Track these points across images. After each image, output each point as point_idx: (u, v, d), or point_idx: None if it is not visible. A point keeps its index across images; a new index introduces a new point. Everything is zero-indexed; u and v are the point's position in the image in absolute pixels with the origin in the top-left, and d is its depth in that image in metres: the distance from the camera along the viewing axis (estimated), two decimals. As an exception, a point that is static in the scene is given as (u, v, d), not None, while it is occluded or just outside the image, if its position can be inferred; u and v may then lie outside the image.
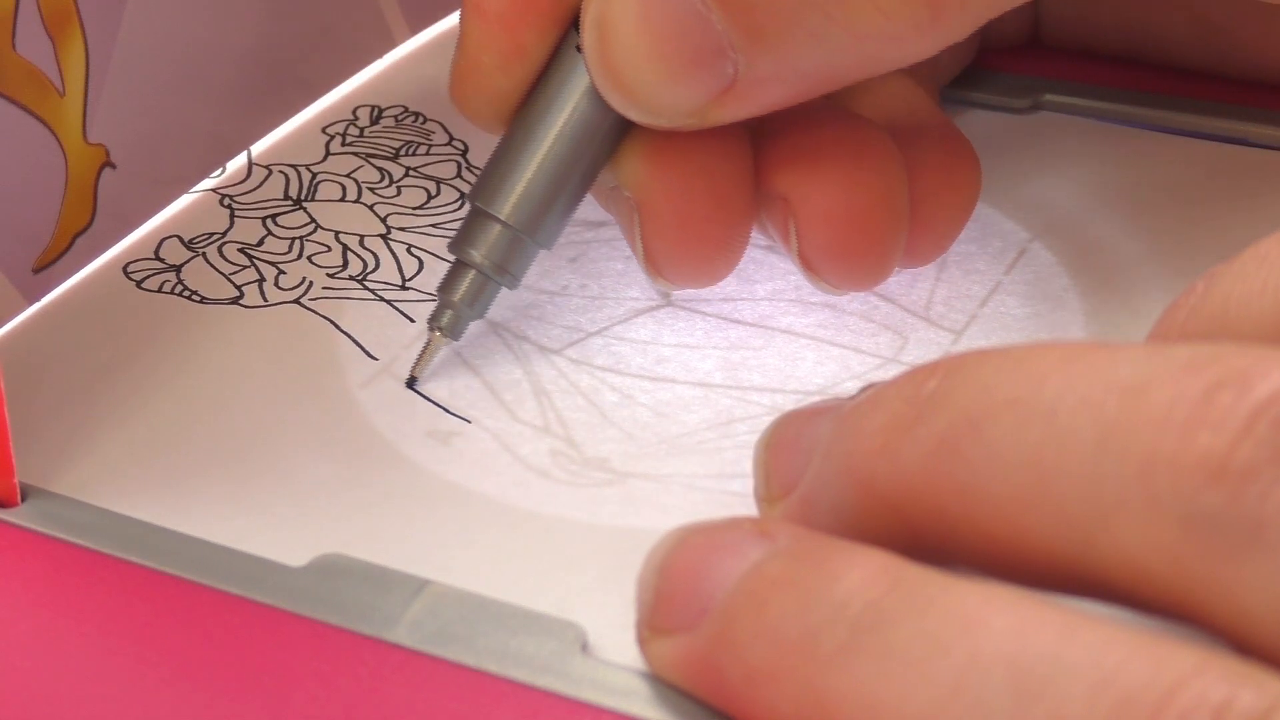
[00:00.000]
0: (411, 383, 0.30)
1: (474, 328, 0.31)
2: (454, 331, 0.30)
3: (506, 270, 0.29)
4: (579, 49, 0.28)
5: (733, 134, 0.29)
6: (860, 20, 0.26)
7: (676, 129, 0.28)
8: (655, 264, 0.29)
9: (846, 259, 0.29)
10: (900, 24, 0.26)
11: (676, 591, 0.22)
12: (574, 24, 0.28)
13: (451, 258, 0.30)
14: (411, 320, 0.31)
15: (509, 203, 0.29)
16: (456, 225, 0.34)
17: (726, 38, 0.26)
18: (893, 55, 0.26)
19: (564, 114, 0.28)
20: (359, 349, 0.31)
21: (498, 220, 0.29)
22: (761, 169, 0.29)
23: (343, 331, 0.31)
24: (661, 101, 0.27)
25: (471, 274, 0.29)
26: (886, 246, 0.29)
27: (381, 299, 0.32)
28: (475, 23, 0.29)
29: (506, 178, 0.29)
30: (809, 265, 0.29)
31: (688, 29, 0.26)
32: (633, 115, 0.28)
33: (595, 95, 0.28)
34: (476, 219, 0.29)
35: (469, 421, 0.29)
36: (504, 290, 0.30)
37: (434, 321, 0.30)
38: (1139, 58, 0.37)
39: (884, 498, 0.22)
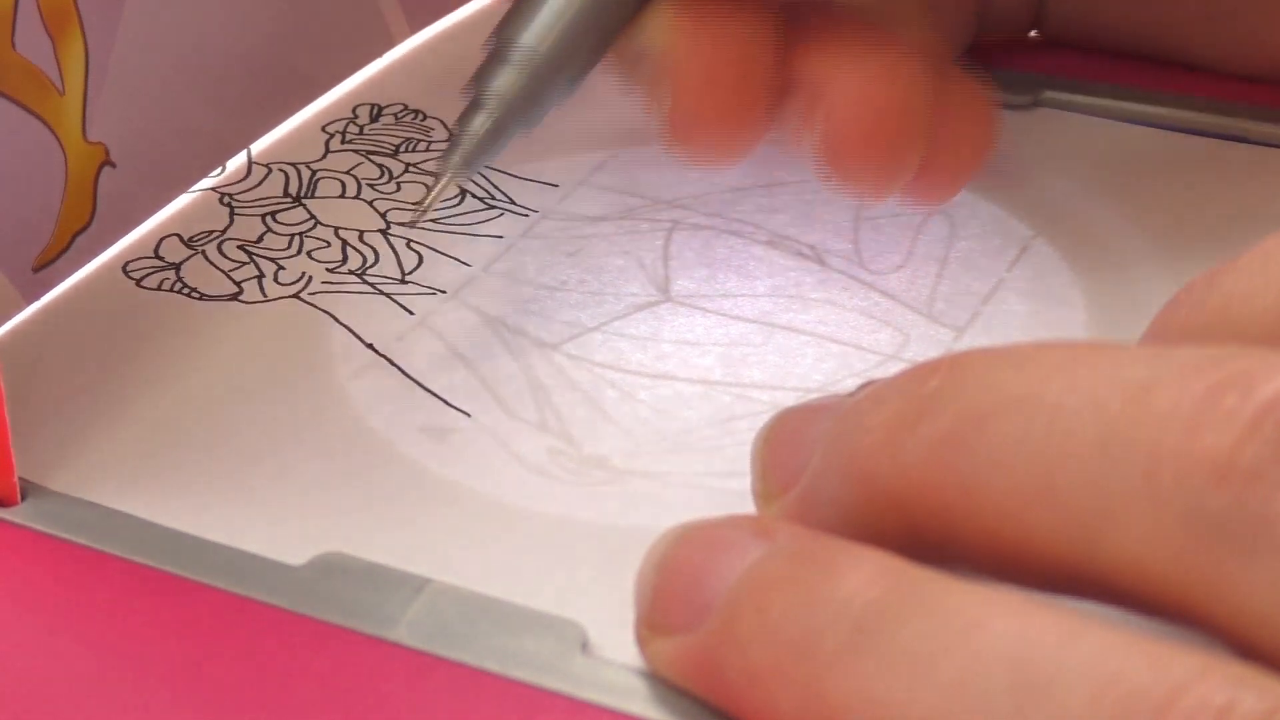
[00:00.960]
0: (418, 217, 0.30)
1: (470, 321, 0.31)
2: (464, 171, 0.29)
3: (522, 115, 0.29)
4: None
5: (765, 13, 0.29)
6: None
7: None
8: (675, 133, 0.29)
9: (867, 151, 0.29)
10: None
11: (676, 590, 0.22)
12: None
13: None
14: (411, 313, 0.31)
15: (533, 33, 0.28)
16: (457, 220, 0.34)
17: None
18: None
19: None
20: (358, 341, 0.31)
21: (516, 64, 0.28)
22: (793, 55, 0.29)
23: (342, 324, 0.31)
24: None
25: (484, 114, 0.29)
26: (904, 147, 0.29)
27: (381, 293, 0.32)
28: None
29: (534, 11, 0.29)
30: (827, 156, 0.29)
31: None
32: None
33: None
34: (496, 59, 0.29)
35: (469, 415, 0.29)
36: (503, 283, 0.29)
37: (445, 160, 0.29)
38: (1145, 49, 0.37)
39: (885, 495, 0.22)
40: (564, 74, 0.29)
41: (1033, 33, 0.39)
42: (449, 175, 0.29)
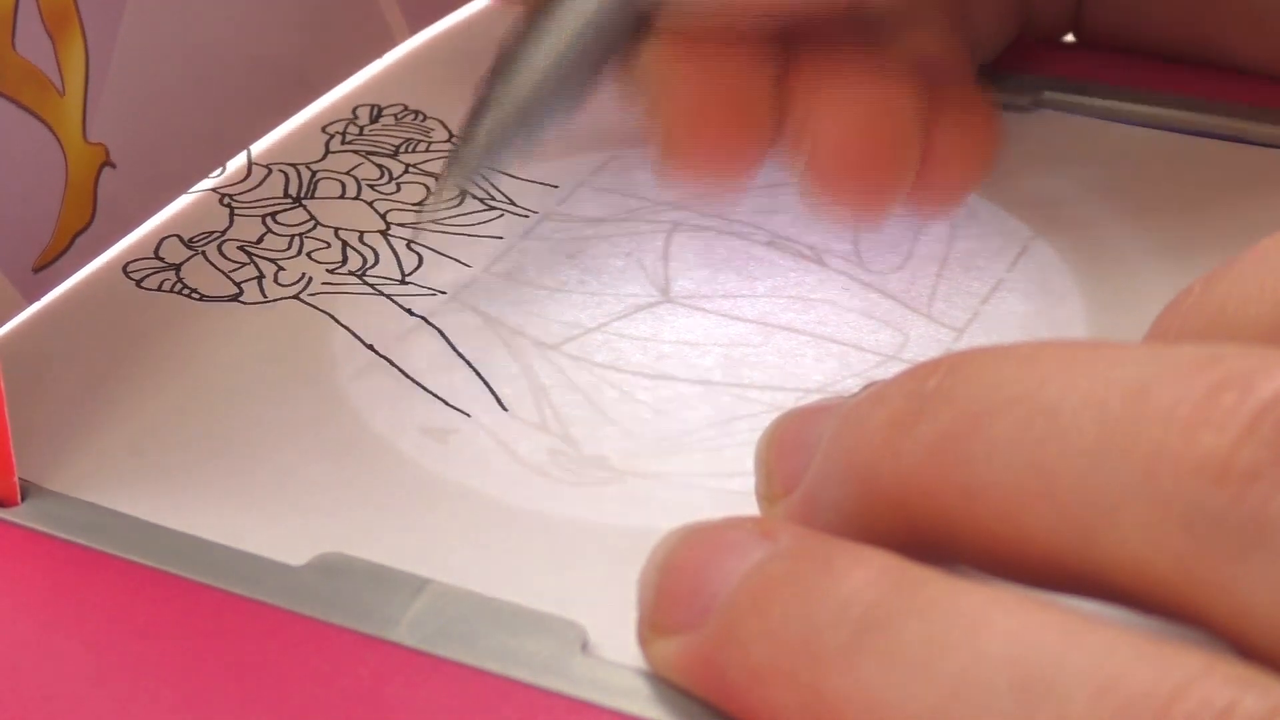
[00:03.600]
0: (420, 216, 0.30)
1: (470, 322, 0.31)
2: (467, 180, 0.30)
3: (526, 123, 0.30)
4: None
5: (758, 44, 0.29)
6: None
7: None
8: (670, 160, 0.30)
9: (849, 182, 0.30)
10: None
11: (678, 591, 0.22)
12: None
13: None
14: (411, 314, 0.31)
15: (536, 51, 0.29)
16: (457, 221, 0.34)
17: None
18: None
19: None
20: (358, 342, 0.31)
21: (521, 67, 0.29)
22: (784, 83, 0.30)
23: (342, 325, 0.31)
24: None
25: (490, 117, 0.30)
26: (889, 175, 0.30)
27: (381, 293, 0.32)
28: None
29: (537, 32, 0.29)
30: (812, 181, 0.30)
31: None
32: None
33: None
34: (500, 69, 0.30)
35: (468, 415, 0.29)
36: (503, 284, 0.29)
37: (445, 173, 0.30)
38: (1185, 51, 0.37)
39: (885, 495, 0.22)
40: (564, 93, 0.29)
41: (1069, 36, 0.39)
42: (451, 181, 0.30)
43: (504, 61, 0.30)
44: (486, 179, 0.35)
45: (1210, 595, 0.19)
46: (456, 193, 0.30)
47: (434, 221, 0.34)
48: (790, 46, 0.30)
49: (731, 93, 0.29)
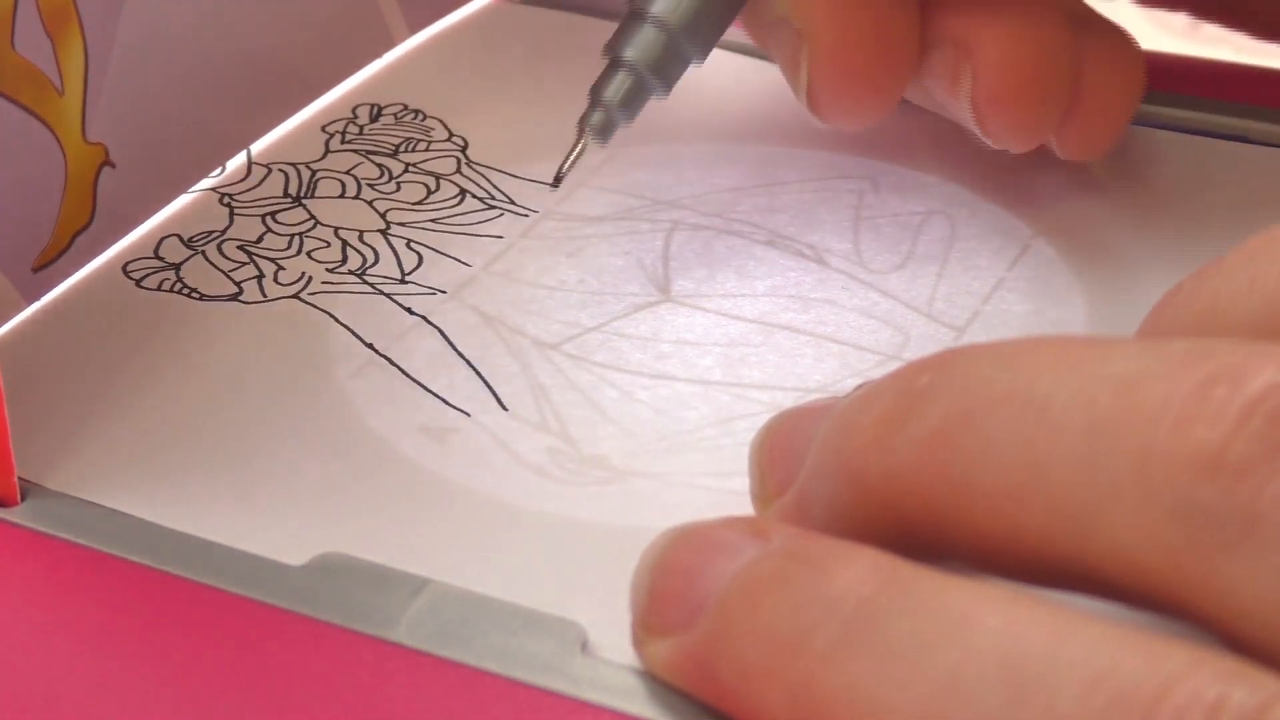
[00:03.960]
0: (557, 183, 0.30)
1: (469, 320, 0.31)
2: (603, 134, 0.30)
3: (660, 74, 0.30)
4: None
5: None
6: None
7: None
8: (816, 100, 0.30)
9: (1016, 107, 0.30)
10: None
11: (670, 591, 0.22)
12: None
13: None
14: (411, 313, 0.31)
15: (667, 4, 0.29)
16: (456, 220, 0.34)
17: None
18: None
19: None
20: (358, 341, 0.31)
21: (652, 21, 0.29)
22: (933, 14, 0.30)
23: (342, 324, 0.31)
24: None
25: (623, 75, 0.30)
26: (1054, 101, 0.30)
27: (380, 293, 0.32)
28: None
29: None
30: (978, 111, 0.30)
31: None
32: None
33: None
34: (632, 20, 0.30)
35: (468, 414, 0.29)
36: (502, 283, 0.29)
37: (584, 121, 0.30)
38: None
39: (877, 493, 0.22)
40: (698, 38, 0.30)
41: None
42: (588, 138, 0.30)
43: (639, 5, 0.30)
44: (484, 174, 0.35)
45: (1201, 588, 0.19)
46: (598, 143, 0.30)
47: (433, 220, 0.34)
48: None
49: (879, 25, 0.29)
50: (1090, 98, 0.31)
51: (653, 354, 0.30)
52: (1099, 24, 0.32)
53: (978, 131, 0.30)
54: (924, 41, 0.30)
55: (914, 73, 0.30)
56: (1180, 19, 0.40)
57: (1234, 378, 0.19)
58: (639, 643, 0.22)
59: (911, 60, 0.30)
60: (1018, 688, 0.18)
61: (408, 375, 0.30)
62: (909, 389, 0.21)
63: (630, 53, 0.30)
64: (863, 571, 0.20)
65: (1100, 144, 0.32)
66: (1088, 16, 0.32)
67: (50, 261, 0.31)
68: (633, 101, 0.30)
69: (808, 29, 0.29)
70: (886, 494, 0.21)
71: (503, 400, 0.29)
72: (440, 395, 0.29)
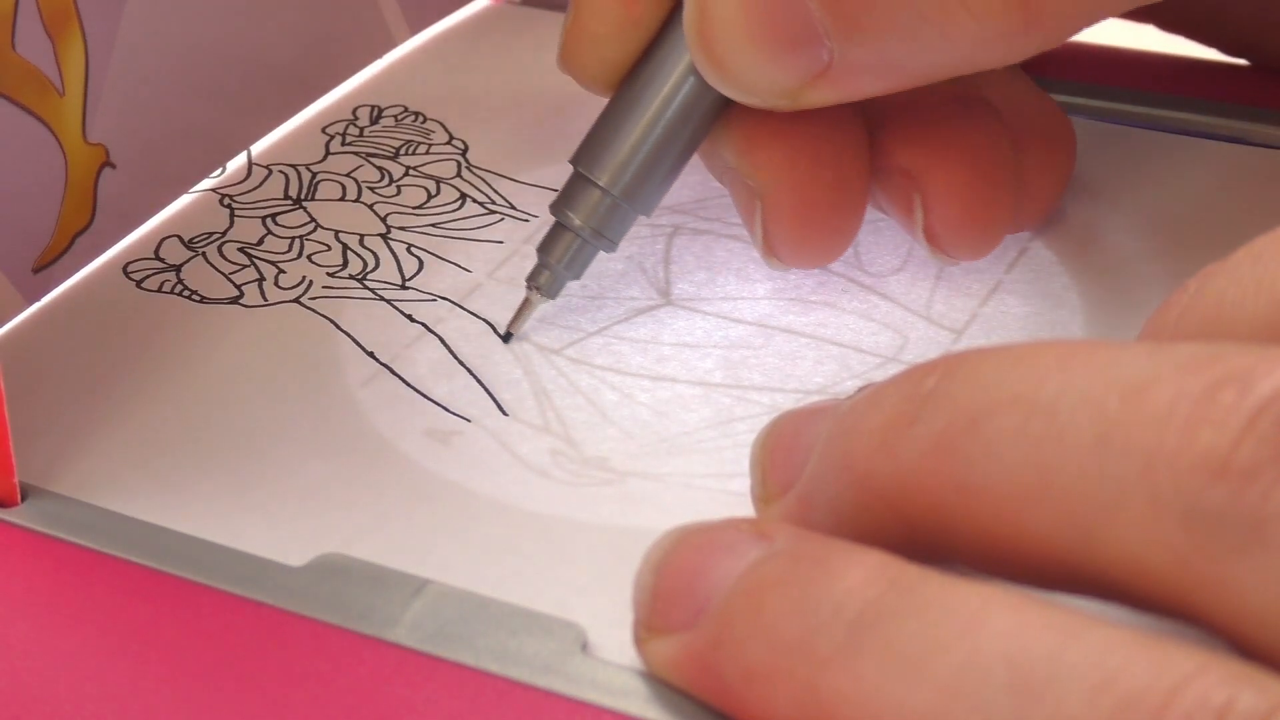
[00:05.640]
0: (508, 338, 0.31)
1: (471, 326, 0.31)
2: (550, 291, 0.31)
3: (604, 235, 0.30)
4: None
5: (847, 113, 0.29)
6: (951, 22, 0.26)
7: (771, 108, 0.28)
8: (774, 251, 0.30)
9: (970, 230, 0.30)
10: (992, 30, 0.26)
11: (674, 591, 0.22)
12: None
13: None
14: (411, 319, 0.31)
15: (610, 169, 0.30)
16: (456, 224, 0.34)
17: (821, 24, 0.27)
18: (985, 58, 0.27)
19: (669, 83, 0.29)
20: (359, 348, 0.31)
21: (598, 186, 0.30)
22: (879, 145, 0.30)
23: (342, 330, 0.31)
24: (756, 80, 0.28)
25: (570, 236, 0.30)
26: (1006, 217, 0.30)
27: (381, 298, 0.32)
28: None
29: (609, 144, 0.30)
30: (933, 238, 0.30)
31: (784, 12, 0.27)
32: (727, 92, 0.28)
33: None
34: (578, 182, 0.30)
35: (469, 420, 0.29)
36: (504, 289, 0.30)
37: (532, 280, 0.31)
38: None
39: (882, 495, 0.22)
40: (642, 201, 0.30)
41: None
42: (537, 303, 0.31)
43: (594, 144, 0.30)
44: (486, 179, 0.35)
45: (1208, 592, 0.19)
46: (546, 299, 0.31)
47: (434, 225, 0.34)
48: (872, 102, 0.30)
49: (832, 176, 0.29)
50: (1031, 191, 0.31)
51: (653, 357, 0.30)
52: (1029, 109, 0.32)
53: (930, 250, 0.30)
54: (872, 168, 0.30)
55: (866, 206, 0.30)
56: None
57: (1242, 381, 0.19)
58: (640, 642, 0.22)
59: (865, 199, 0.30)
60: (1025, 690, 0.18)
61: (409, 384, 0.30)
62: (915, 392, 0.21)
63: (576, 218, 0.30)
64: (869, 573, 0.20)
65: (1039, 220, 0.32)
66: (1020, 104, 0.32)
67: (51, 262, 0.31)
68: (578, 262, 0.30)
69: (762, 187, 0.29)
70: (892, 497, 0.21)
71: (504, 406, 0.29)
72: (442, 404, 0.29)
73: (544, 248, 0.30)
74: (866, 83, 0.27)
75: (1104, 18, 0.27)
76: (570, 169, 0.30)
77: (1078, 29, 0.27)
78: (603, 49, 0.30)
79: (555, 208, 0.30)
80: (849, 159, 0.29)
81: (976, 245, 0.30)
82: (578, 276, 0.31)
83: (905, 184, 0.30)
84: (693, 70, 0.29)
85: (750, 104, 0.28)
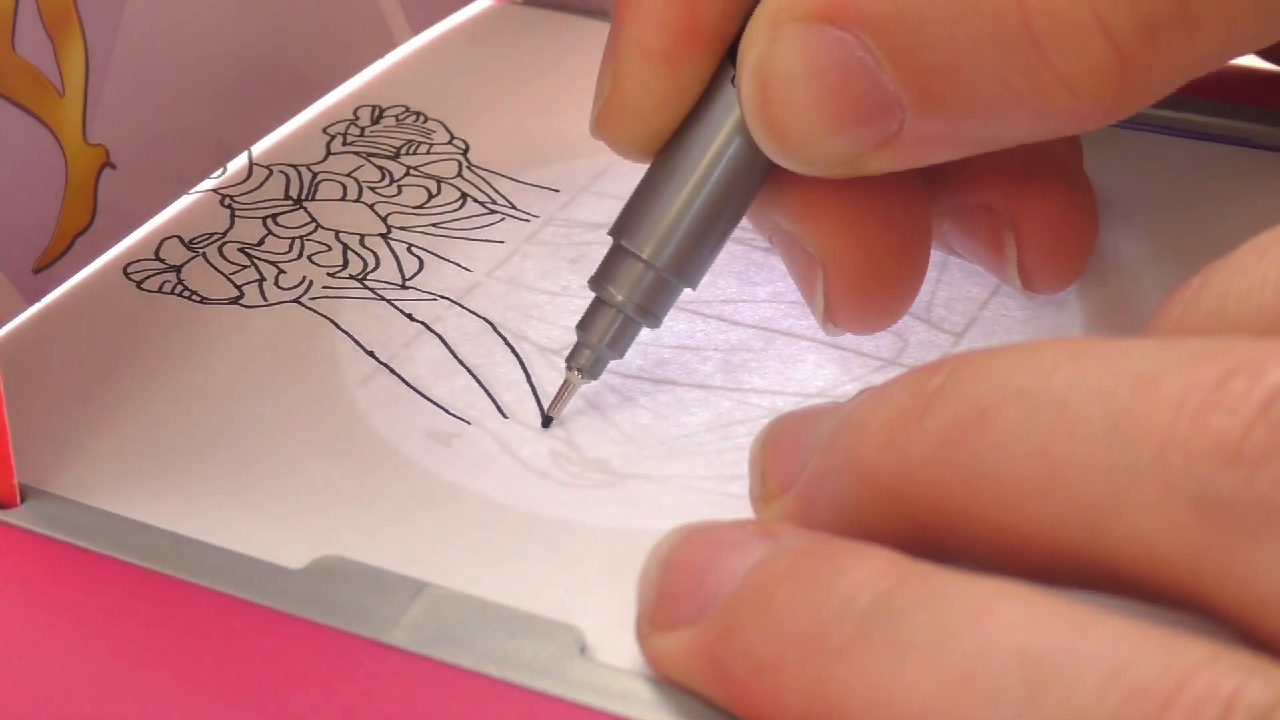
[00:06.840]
0: (547, 423, 0.29)
1: (472, 326, 0.31)
2: (593, 372, 0.29)
3: (649, 311, 0.28)
4: (733, 83, 0.27)
5: (913, 184, 0.28)
6: (1044, 97, 0.25)
7: (826, 176, 0.27)
8: (837, 319, 0.29)
9: (1065, 261, 0.30)
10: (1086, 102, 0.25)
11: (680, 586, 0.22)
12: (728, 55, 0.27)
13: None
14: (411, 318, 0.31)
15: (653, 242, 0.28)
16: (457, 224, 0.34)
17: (896, 97, 0.25)
18: (1068, 127, 0.26)
19: (713, 148, 0.27)
20: (359, 348, 0.31)
21: (640, 259, 0.28)
22: (957, 183, 0.29)
23: (342, 330, 0.31)
24: (819, 152, 0.26)
25: (612, 313, 0.28)
26: (1089, 245, 0.30)
27: (381, 298, 0.32)
28: (635, 60, 0.27)
29: (651, 214, 0.28)
30: (1027, 274, 0.30)
31: (856, 84, 0.25)
32: (784, 163, 0.27)
33: (747, 132, 0.27)
34: (618, 255, 0.28)
35: (469, 423, 0.29)
36: (504, 289, 0.29)
37: (572, 360, 0.29)
38: None
39: (888, 492, 0.21)
40: (688, 274, 0.28)
41: None
42: (577, 384, 0.29)
43: (635, 215, 0.28)
44: (487, 179, 0.35)
45: (1218, 579, 0.19)
46: (587, 380, 0.29)
47: (435, 225, 0.34)
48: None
49: (896, 239, 0.28)
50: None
51: (653, 359, 0.30)
52: (1058, 166, 0.31)
53: (1016, 285, 0.30)
54: (943, 208, 0.29)
55: (928, 266, 0.29)
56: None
57: (1253, 371, 0.19)
58: (643, 637, 0.22)
59: (927, 257, 0.29)
60: (1035, 680, 0.18)
61: (409, 384, 0.30)
62: (921, 389, 0.21)
63: (618, 294, 0.28)
64: (878, 567, 0.20)
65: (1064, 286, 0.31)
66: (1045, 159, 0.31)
67: (51, 263, 0.31)
68: (621, 340, 0.28)
69: (824, 254, 0.28)
70: (899, 492, 0.21)
71: (504, 408, 0.29)
72: (442, 405, 0.29)
73: (584, 325, 0.29)
74: (934, 152, 0.26)
75: (1182, 83, 0.26)
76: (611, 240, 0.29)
77: (1165, 94, 0.26)
78: (648, 117, 0.28)
79: (595, 283, 0.28)
80: (912, 218, 0.28)
81: (1069, 276, 0.30)
82: (620, 355, 0.29)
83: (992, 221, 0.29)
84: (740, 134, 0.27)
85: (806, 173, 0.27)
